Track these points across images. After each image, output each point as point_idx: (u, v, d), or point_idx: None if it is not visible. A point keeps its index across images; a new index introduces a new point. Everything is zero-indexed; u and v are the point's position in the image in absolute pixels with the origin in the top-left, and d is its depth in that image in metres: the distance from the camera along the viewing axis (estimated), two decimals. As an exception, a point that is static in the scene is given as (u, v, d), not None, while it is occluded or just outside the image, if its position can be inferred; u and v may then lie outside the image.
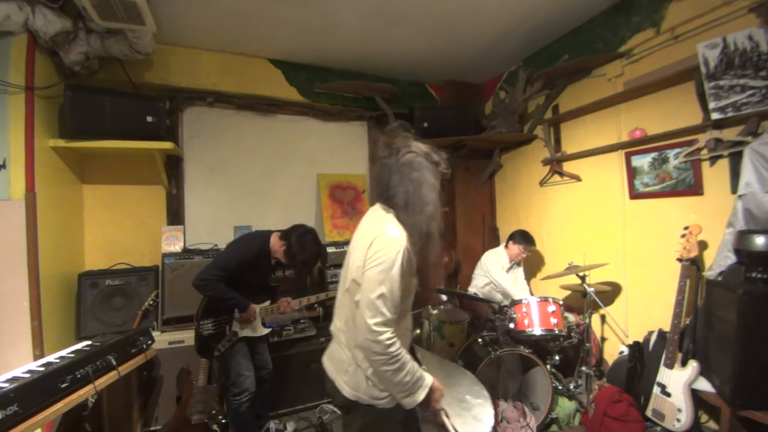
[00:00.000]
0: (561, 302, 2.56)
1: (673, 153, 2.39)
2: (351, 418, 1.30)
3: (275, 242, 2.22)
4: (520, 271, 3.26)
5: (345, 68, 3.59)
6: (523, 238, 3.11)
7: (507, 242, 3.19)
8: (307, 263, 2.22)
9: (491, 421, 1.32)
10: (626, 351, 2.40)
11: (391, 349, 1.14)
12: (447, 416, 1.31)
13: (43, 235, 2.20)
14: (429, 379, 1.23)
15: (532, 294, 3.15)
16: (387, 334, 1.14)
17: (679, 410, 1.96)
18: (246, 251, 2.16)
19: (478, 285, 3.25)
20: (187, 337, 2.53)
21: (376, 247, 1.18)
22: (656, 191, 2.50)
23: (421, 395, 1.20)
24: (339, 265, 3.25)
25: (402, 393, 1.19)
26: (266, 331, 2.33)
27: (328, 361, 1.40)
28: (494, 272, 3.15)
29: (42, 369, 1.56)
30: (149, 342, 2.20)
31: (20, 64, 2.16)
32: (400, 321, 1.26)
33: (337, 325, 1.39)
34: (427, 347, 2.72)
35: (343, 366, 1.29)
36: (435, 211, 1.22)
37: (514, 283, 3.16)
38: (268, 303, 2.34)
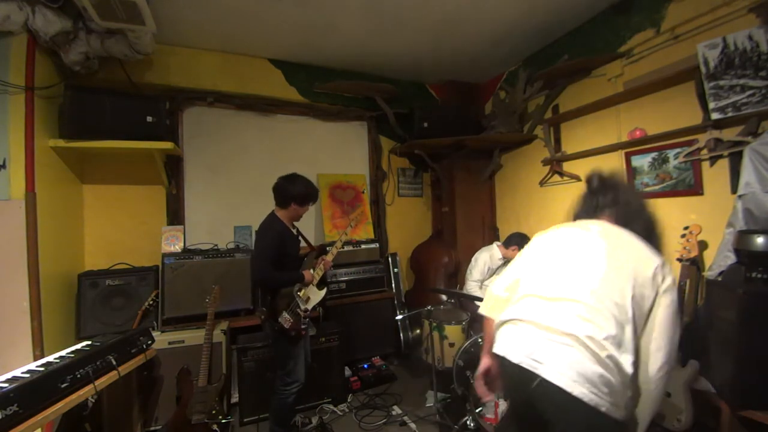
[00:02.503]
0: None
1: (673, 153, 2.39)
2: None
3: (282, 213, 2.29)
4: None
5: (345, 68, 3.59)
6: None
7: (507, 244, 3.12)
8: (311, 194, 2.29)
9: None
10: (626, 351, 2.39)
11: None
12: None
13: (43, 235, 2.21)
14: None
15: None
16: None
17: (679, 410, 1.96)
18: (270, 229, 2.22)
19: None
20: (187, 337, 2.53)
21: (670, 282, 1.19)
22: (656, 191, 2.50)
23: None
24: (339, 266, 3.26)
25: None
26: (323, 292, 2.39)
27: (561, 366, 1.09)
28: (473, 274, 3.16)
29: (42, 369, 1.56)
30: (149, 342, 2.21)
31: (20, 64, 2.17)
32: None
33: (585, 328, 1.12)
34: (427, 347, 2.72)
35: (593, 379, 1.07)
36: None
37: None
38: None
